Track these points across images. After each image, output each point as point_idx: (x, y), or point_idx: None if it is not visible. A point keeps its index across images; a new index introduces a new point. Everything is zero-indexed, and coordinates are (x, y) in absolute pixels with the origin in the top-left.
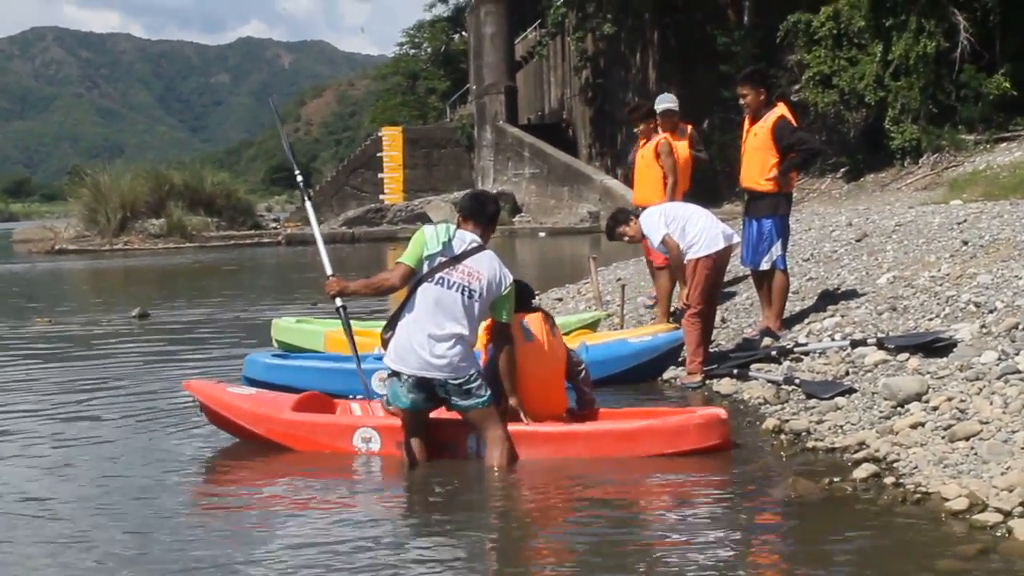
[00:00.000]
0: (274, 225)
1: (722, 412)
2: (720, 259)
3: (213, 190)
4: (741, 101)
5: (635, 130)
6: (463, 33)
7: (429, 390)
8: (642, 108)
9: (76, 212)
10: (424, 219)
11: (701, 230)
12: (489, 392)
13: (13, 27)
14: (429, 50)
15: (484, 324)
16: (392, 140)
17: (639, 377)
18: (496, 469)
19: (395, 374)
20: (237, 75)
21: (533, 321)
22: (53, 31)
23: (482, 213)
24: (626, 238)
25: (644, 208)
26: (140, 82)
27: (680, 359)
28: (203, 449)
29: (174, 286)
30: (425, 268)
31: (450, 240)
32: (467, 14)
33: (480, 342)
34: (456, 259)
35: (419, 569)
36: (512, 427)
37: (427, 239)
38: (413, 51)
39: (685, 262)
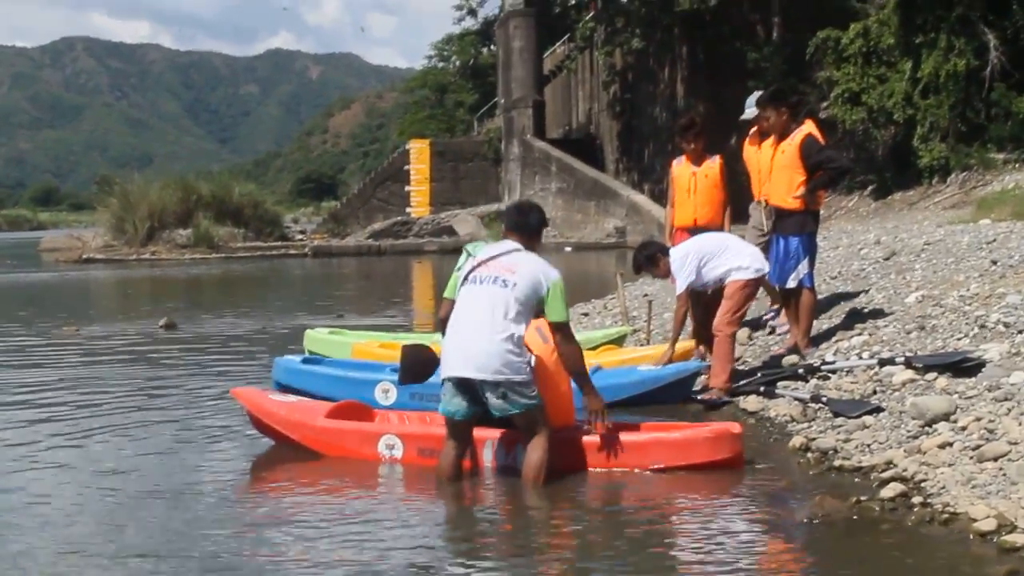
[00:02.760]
0: (300, 237)
1: (735, 427)
2: (757, 285)
3: (240, 201)
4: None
5: (689, 147)
6: (492, 47)
7: (471, 393)
8: (697, 125)
9: (104, 221)
10: (450, 232)
11: (744, 255)
12: (534, 396)
13: (44, 36)
14: (457, 63)
15: None
16: (419, 153)
17: (653, 402)
18: (527, 480)
19: (444, 385)
20: (265, 86)
21: (545, 327)
22: (83, 41)
23: (525, 224)
24: (652, 276)
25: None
26: (169, 92)
27: (698, 387)
28: (229, 457)
29: (201, 296)
30: (459, 283)
31: (482, 250)
32: (496, 28)
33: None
34: (489, 259)
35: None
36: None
37: (458, 266)
38: (441, 64)
39: (728, 283)
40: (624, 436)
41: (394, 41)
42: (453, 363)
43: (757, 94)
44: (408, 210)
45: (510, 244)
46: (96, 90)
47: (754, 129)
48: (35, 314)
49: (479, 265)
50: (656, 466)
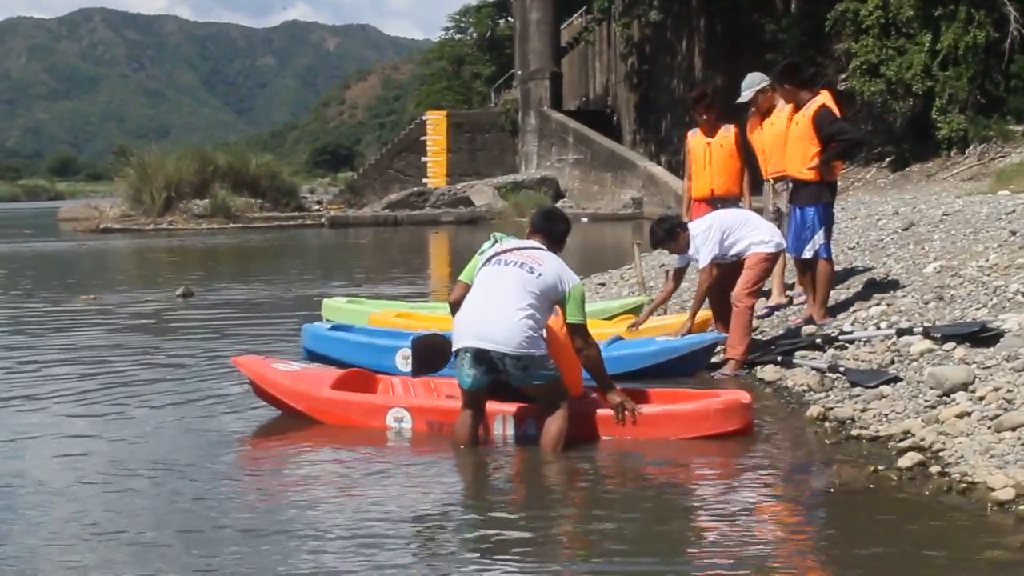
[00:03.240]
0: (317, 207)
1: (745, 396)
2: (776, 259)
3: (257, 171)
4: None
5: (702, 118)
6: (509, 18)
7: (488, 364)
8: (709, 96)
9: (121, 191)
10: (467, 203)
11: (764, 229)
12: (553, 368)
13: (61, 8)
14: (475, 35)
15: None
16: (436, 124)
17: (669, 373)
18: (546, 448)
19: (456, 355)
20: (283, 58)
21: None
22: (101, 12)
23: (551, 231)
24: (670, 252)
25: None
26: (186, 64)
27: (717, 353)
28: (247, 426)
29: (218, 266)
30: (480, 265)
31: (505, 241)
32: None
33: None
34: (516, 248)
35: (461, 548)
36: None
37: (480, 250)
38: (459, 36)
39: (749, 255)
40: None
41: (411, 13)
42: (471, 334)
43: (752, 75)
44: (425, 181)
45: (536, 243)
46: (113, 61)
47: (753, 111)
48: (54, 283)
49: (505, 251)
50: (667, 438)
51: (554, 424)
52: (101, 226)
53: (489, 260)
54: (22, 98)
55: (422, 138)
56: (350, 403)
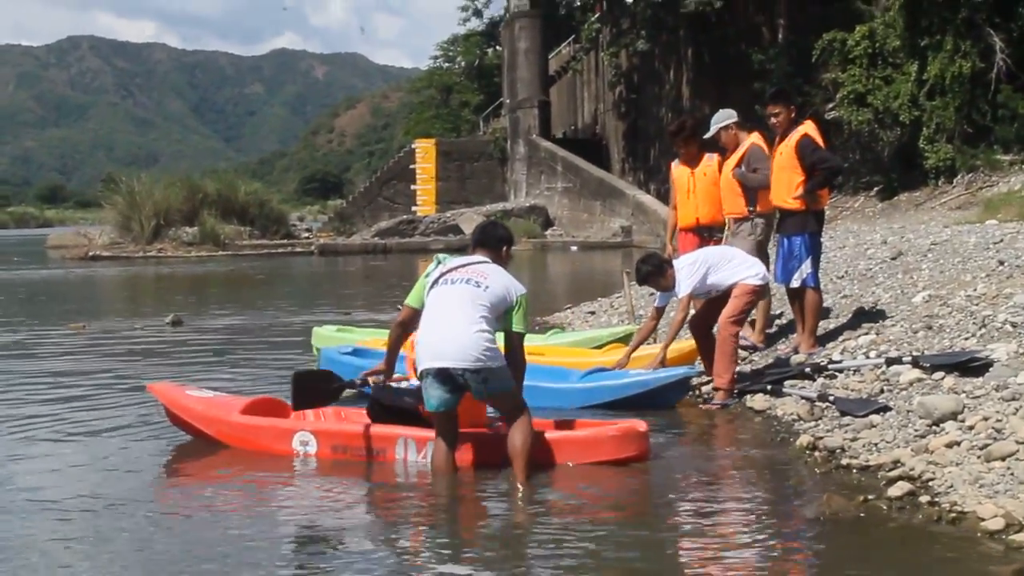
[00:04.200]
0: (307, 235)
1: (641, 425)
2: (761, 292)
3: (246, 199)
4: (772, 120)
5: (681, 151)
6: (497, 47)
7: (452, 382)
8: (687, 128)
9: (110, 219)
10: (456, 231)
11: (750, 264)
12: (510, 379)
13: (49, 36)
14: (463, 64)
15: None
16: (425, 152)
17: (646, 406)
18: (514, 456)
19: (421, 379)
20: (271, 86)
21: None
22: (89, 40)
23: (488, 241)
24: (656, 289)
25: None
26: (175, 92)
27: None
28: (207, 454)
29: (207, 294)
30: (428, 288)
31: (448, 261)
32: (501, 28)
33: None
34: (460, 266)
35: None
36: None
37: (426, 273)
38: (447, 64)
39: (738, 284)
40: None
41: (400, 42)
42: (430, 355)
43: (721, 112)
44: (414, 209)
45: (479, 257)
46: (102, 89)
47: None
48: (42, 311)
49: (450, 271)
50: (567, 463)
51: (519, 433)
52: (90, 253)
53: (436, 282)
54: (10, 126)
55: (411, 166)
56: (258, 427)
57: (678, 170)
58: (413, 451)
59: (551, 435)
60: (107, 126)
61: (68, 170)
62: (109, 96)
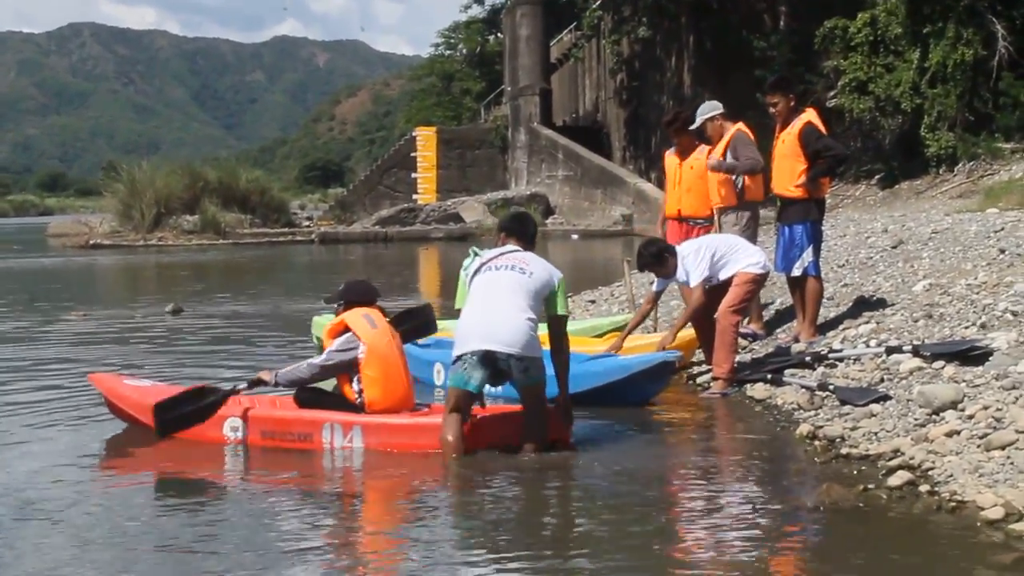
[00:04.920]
0: (307, 223)
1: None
2: (762, 281)
3: (247, 187)
4: (772, 109)
5: (675, 141)
6: (498, 35)
7: (493, 366)
8: (679, 120)
9: (111, 207)
10: (457, 219)
11: (752, 252)
12: (542, 373)
13: (50, 23)
14: (464, 51)
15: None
16: (426, 140)
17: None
18: (530, 446)
19: (457, 361)
20: (272, 73)
21: (373, 313)
22: (90, 27)
23: (524, 233)
24: (657, 276)
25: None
26: (176, 79)
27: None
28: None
29: (208, 282)
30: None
31: (485, 252)
32: (503, 16)
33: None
34: (501, 255)
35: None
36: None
37: (464, 268)
38: (448, 52)
39: (738, 273)
40: (399, 421)
41: (401, 29)
42: (478, 337)
43: (706, 104)
44: (415, 197)
45: (514, 246)
46: (103, 76)
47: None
48: (43, 299)
49: (492, 259)
50: (428, 450)
51: (538, 423)
52: (91, 242)
53: (479, 270)
54: (11, 113)
55: (412, 154)
56: None
57: (670, 159)
58: (340, 435)
59: (404, 421)
60: (108, 113)
61: (69, 158)
62: (110, 83)
